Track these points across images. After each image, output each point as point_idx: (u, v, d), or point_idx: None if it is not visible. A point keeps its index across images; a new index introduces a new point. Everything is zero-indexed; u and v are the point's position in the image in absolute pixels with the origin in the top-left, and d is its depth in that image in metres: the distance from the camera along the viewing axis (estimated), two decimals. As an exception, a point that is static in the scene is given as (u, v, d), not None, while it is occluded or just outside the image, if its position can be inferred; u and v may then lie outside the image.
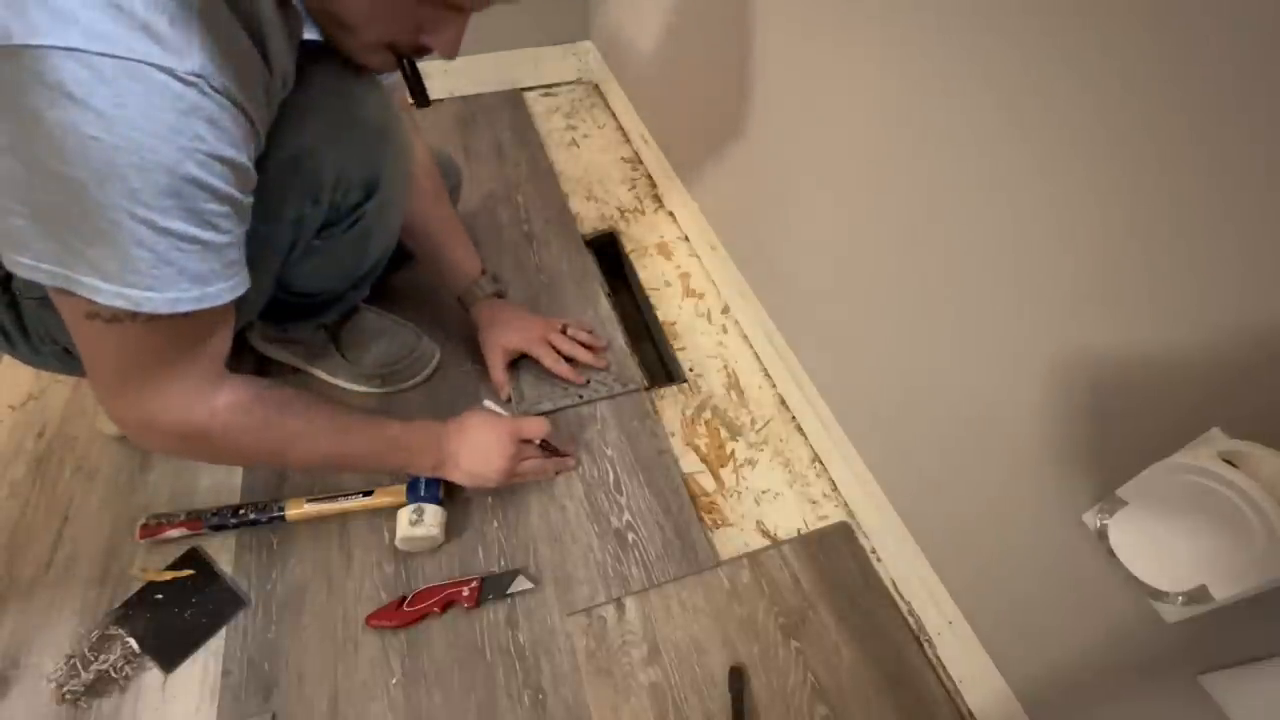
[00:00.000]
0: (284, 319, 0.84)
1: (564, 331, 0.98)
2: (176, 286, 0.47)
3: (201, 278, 0.48)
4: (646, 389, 0.98)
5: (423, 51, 0.58)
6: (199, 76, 0.43)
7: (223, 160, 0.46)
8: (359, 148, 0.65)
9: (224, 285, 0.51)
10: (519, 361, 0.97)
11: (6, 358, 0.98)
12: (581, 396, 0.95)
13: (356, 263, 0.78)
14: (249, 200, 0.51)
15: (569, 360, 0.96)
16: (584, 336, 0.99)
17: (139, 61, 0.40)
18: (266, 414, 0.61)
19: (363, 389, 0.95)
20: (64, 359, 0.69)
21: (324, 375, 0.95)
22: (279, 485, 0.85)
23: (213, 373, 0.57)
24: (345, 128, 0.63)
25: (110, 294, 0.45)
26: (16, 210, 0.43)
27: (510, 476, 0.78)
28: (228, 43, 0.45)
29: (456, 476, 0.77)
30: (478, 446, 0.76)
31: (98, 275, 0.45)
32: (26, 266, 0.44)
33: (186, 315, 0.49)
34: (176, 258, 0.46)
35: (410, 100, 0.62)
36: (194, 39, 0.43)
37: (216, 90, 0.44)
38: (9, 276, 0.63)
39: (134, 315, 0.48)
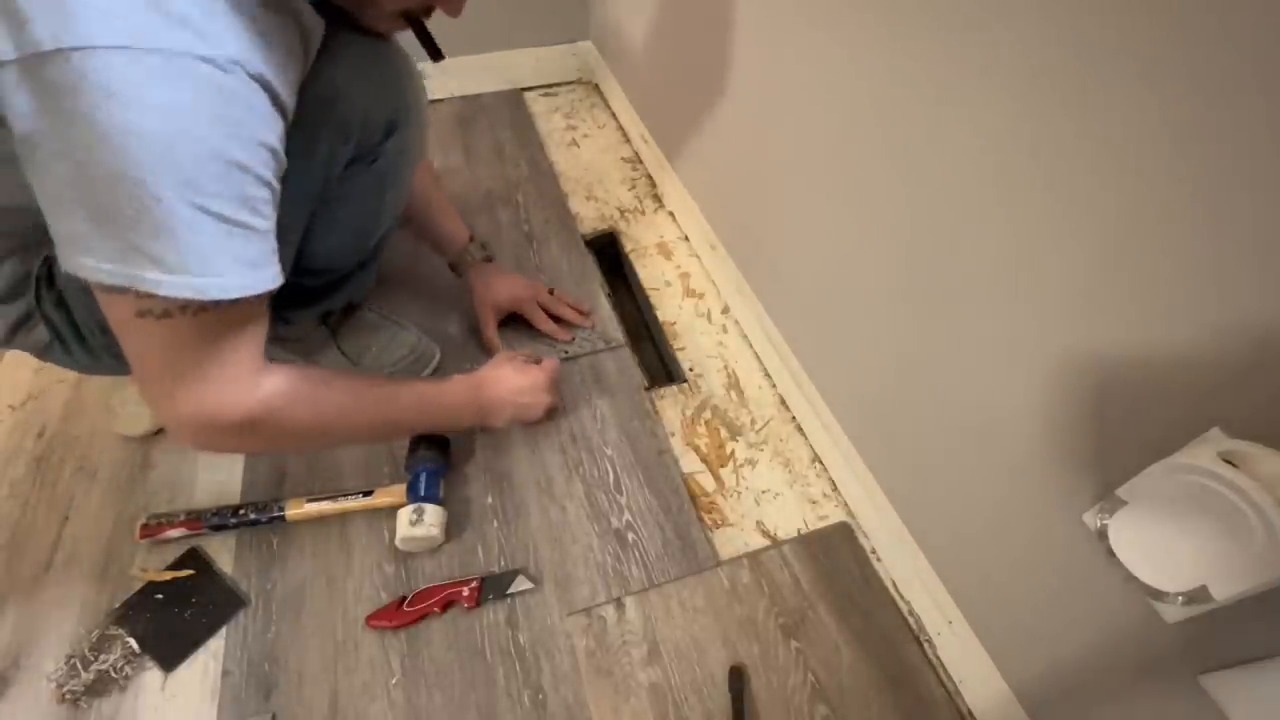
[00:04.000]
0: (289, 306, 0.85)
1: (551, 293, 1.05)
2: (232, 272, 0.49)
3: (252, 263, 0.50)
4: (647, 389, 0.99)
5: (430, 11, 0.62)
6: (236, 63, 0.45)
7: (261, 144, 0.48)
8: (383, 87, 0.68)
9: (269, 273, 0.52)
10: (507, 322, 1.03)
11: (8, 357, 0.98)
12: (567, 352, 1.01)
13: (371, 217, 0.78)
14: (279, 189, 0.53)
15: (556, 320, 1.03)
16: (569, 299, 1.06)
17: (182, 54, 0.42)
18: (314, 393, 0.63)
19: (363, 389, 0.95)
20: (117, 351, 0.70)
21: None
22: (279, 485, 0.85)
23: (258, 361, 0.58)
24: (371, 66, 0.65)
25: (171, 285, 0.46)
26: (76, 214, 0.44)
27: (551, 410, 0.88)
28: (263, 27, 0.47)
29: (498, 423, 0.82)
30: (523, 390, 0.83)
31: (159, 269, 0.46)
32: (90, 269, 0.45)
33: (232, 305, 0.51)
34: (229, 244, 0.48)
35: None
36: (229, 26, 0.45)
37: (253, 76, 0.46)
38: (52, 274, 0.65)
39: (183, 309, 0.49)
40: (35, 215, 0.59)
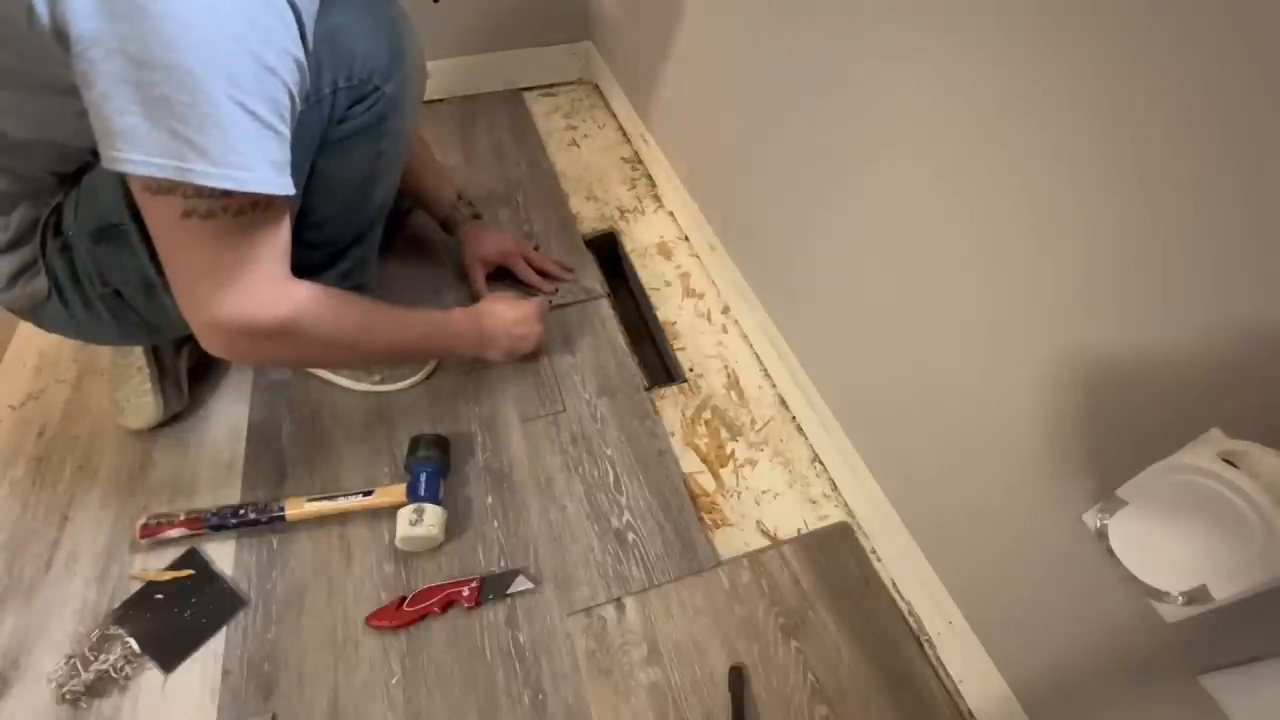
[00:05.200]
0: None
1: (535, 249, 1.13)
2: (264, 169, 0.52)
3: (278, 166, 0.54)
4: (647, 389, 0.99)
5: None
6: None
7: (290, 55, 0.52)
8: (381, 30, 0.71)
9: (289, 180, 0.55)
10: (494, 277, 1.08)
11: (8, 357, 0.98)
12: (551, 302, 1.06)
13: (368, 173, 0.79)
14: (299, 106, 0.56)
15: (542, 276, 1.10)
16: (553, 256, 1.13)
17: None
18: (338, 307, 0.67)
19: (362, 387, 0.95)
20: (114, 305, 0.72)
21: (323, 371, 0.95)
22: (279, 485, 0.85)
23: (287, 269, 0.62)
24: (371, 11, 0.70)
25: (217, 176, 0.49)
26: (129, 109, 0.46)
27: (541, 340, 0.95)
28: None
29: (495, 354, 0.89)
30: (518, 321, 0.90)
31: (205, 160, 0.48)
32: (139, 163, 0.48)
33: (267, 207, 0.56)
34: (261, 143, 0.51)
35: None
36: None
37: None
38: (60, 222, 0.67)
39: (225, 209, 0.53)
40: (54, 155, 0.62)
